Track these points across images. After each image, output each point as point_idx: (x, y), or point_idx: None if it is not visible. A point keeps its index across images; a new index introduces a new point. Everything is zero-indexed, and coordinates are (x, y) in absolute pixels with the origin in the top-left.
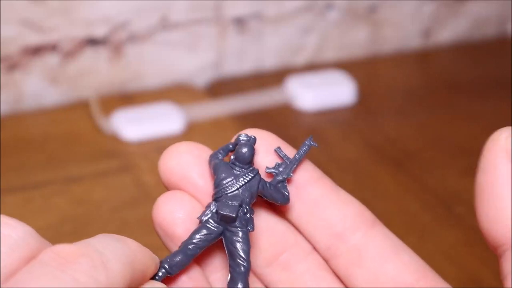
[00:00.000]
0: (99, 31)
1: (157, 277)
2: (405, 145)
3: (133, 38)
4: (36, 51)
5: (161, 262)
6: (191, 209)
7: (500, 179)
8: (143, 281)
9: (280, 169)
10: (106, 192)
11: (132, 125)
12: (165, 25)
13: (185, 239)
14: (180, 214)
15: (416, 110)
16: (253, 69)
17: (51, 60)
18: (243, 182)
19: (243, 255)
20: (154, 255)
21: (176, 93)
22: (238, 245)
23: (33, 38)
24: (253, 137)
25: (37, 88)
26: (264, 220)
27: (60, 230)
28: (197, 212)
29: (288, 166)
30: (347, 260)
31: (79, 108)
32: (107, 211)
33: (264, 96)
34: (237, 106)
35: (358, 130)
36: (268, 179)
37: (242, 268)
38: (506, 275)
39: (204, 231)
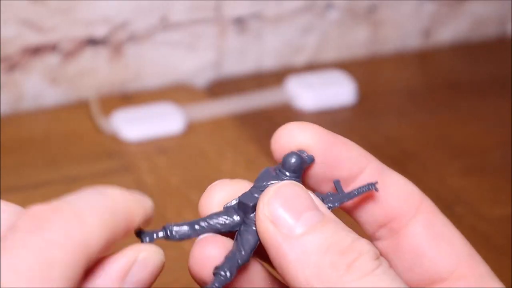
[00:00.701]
0: (99, 31)
1: (154, 235)
2: (405, 145)
3: (133, 38)
4: (36, 51)
5: (167, 225)
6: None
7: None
8: (129, 228)
9: (331, 198)
10: None
11: (132, 125)
12: (165, 25)
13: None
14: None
15: (416, 110)
16: (253, 69)
17: (51, 60)
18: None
19: (245, 246)
20: (143, 199)
21: (176, 93)
22: (245, 235)
23: (33, 38)
24: (312, 157)
25: (37, 88)
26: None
27: None
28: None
29: (339, 198)
30: (386, 246)
31: (79, 108)
32: None
33: (264, 96)
34: (237, 106)
35: (358, 130)
36: None
37: (237, 257)
38: None
39: (223, 217)
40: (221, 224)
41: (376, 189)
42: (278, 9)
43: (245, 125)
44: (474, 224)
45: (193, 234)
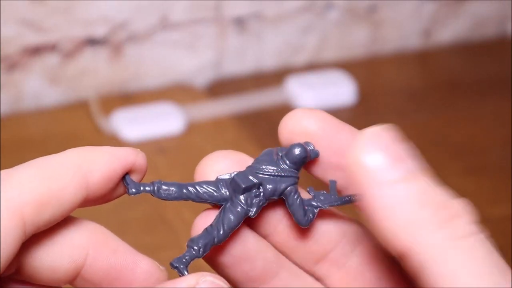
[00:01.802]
0: (99, 31)
1: (141, 188)
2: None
3: (133, 38)
4: (36, 51)
5: (156, 181)
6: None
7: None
8: (86, 181)
9: (321, 197)
10: None
11: (132, 125)
12: (165, 25)
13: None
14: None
15: (416, 110)
16: (253, 69)
17: (51, 60)
18: (275, 173)
19: (225, 226)
20: (120, 151)
21: (176, 93)
22: (229, 215)
23: (33, 38)
24: (317, 151)
25: (37, 88)
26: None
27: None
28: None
29: (330, 200)
30: None
31: (79, 108)
32: (107, 211)
33: (264, 96)
34: (237, 106)
35: (358, 130)
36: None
37: (215, 234)
38: None
39: (212, 187)
40: (208, 195)
41: None
42: (278, 9)
43: (245, 125)
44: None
45: (179, 198)
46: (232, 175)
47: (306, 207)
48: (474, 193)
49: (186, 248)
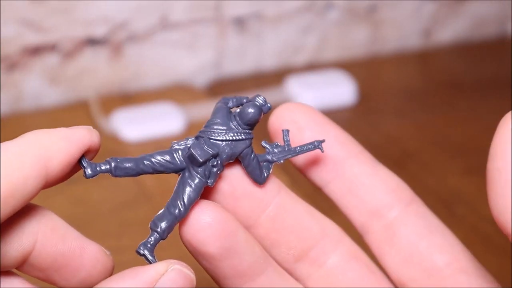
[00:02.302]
0: (99, 31)
1: (97, 168)
2: (405, 145)
3: (133, 38)
4: (36, 51)
5: (112, 159)
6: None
7: (507, 165)
8: (45, 164)
9: (276, 150)
10: (106, 192)
11: (132, 125)
12: (165, 25)
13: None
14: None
15: (416, 110)
16: (253, 69)
17: (51, 60)
18: (230, 138)
19: (185, 200)
20: (75, 132)
21: (176, 93)
22: (187, 189)
23: (33, 38)
24: (269, 105)
25: (37, 88)
26: (291, 215)
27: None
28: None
29: (284, 153)
30: (380, 238)
31: (79, 108)
32: (107, 211)
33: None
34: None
35: (358, 130)
36: (258, 153)
37: (176, 211)
38: None
39: (167, 157)
40: (164, 167)
41: (322, 150)
42: (278, 9)
43: None
44: (474, 224)
45: (137, 174)
46: (188, 140)
47: (261, 163)
48: (474, 193)
49: (150, 230)
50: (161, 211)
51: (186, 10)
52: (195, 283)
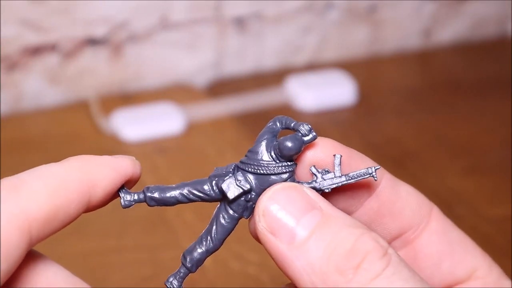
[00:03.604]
0: (99, 31)
1: (133, 199)
2: (405, 145)
3: (133, 38)
4: (36, 51)
5: (147, 188)
6: None
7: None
8: (90, 191)
9: (324, 177)
10: None
11: (132, 125)
12: (165, 25)
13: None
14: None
15: (416, 110)
16: (253, 69)
17: (51, 60)
18: (268, 172)
19: (216, 236)
20: (118, 161)
21: (176, 93)
22: (220, 224)
23: (33, 38)
24: (314, 134)
25: (37, 88)
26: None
27: (61, 230)
28: None
29: (333, 180)
30: (404, 258)
31: (79, 108)
32: (107, 211)
33: (264, 96)
34: (237, 106)
35: (358, 130)
36: (307, 179)
37: (206, 245)
38: None
39: (205, 188)
40: (200, 198)
41: (375, 178)
42: (278, 9)
43: (245, 125)
44: (474, 224)
45: (171, 204)
46: (228, 167)
47: None
48: (474, 193)
49: (180, 262)
50: (192, 244)
51: (186, 10)
52: None
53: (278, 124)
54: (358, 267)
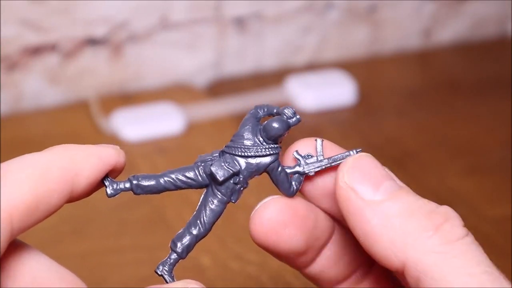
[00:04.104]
0: (99, 31)
1: (119, 187)
2: (405, 145)
3: (133, 38)
4: (36, 51)
5: (133, 177)
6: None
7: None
8: (73, 179)
9: (308, 161)
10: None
11: (132, 125)
12: (165, 25)
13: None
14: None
15: (416, 110)
16: (253, 69)
17: (51, 60)
18: (255, 154)
19: (205, 220)
20: (103, 150)
21: (176, 93)
22: (208, 209)
23: (33, 38)
24: (298, 117)
25: (37, 88)
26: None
27: (60, 230)
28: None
29: (316, 164)
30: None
31: (79, 108)
32: (107, 211)
33: (264, 96)
34: (237, 106)
35: (358, 130)
36: (290, 164)
37: (196, 231)
38: None
39: (191, 174)
40: (187, 184)
41: None
42: (278, 9)
43: None
44: (474, 224)
45: (158, 191)
46: (213, 155)
47: (291, 176)
48: (474, 193)
49: (170, 250)
50: (181, 230)
51: (186, 10)
52: None
53: (259, 111)
54: (440, 227)
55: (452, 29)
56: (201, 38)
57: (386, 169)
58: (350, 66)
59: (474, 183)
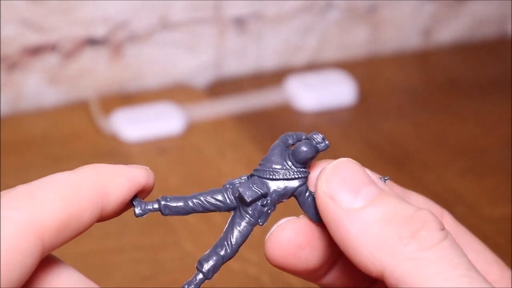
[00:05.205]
0: (98, 31)
1: (147, 207)
2: (405, 145)
3: (133, 38)
4: (36, 51)
5: (162, 198)
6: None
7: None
8: (102, 200)
9: None
10: None
11: (132, 125)
12: (165, 25)
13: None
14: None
15: (416, 110)
16: (253, 69)
17: (51, 60)
18: (282, 177)
19: (233, 241)
20: (132, 171)
21: (176, 93)
22: (235, 231)
23: (33, 38)
24: (326, 142)
25: (37, 88)
26: None
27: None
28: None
29: None
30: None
31: (79, 108)
32: None
33: (264, 96)
34: (237, 106)
35: (358, 130)
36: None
37: (222, 252)
38: None
39: (219, 197)
40: (215, 206)
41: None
42: (278, 9)
43: (245, 125)
44: (474, 224)
45: (186, 213)
46: (241, 178)
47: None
48: (474, 193)
49: (196, 270)
50: (208, 251)
51: (186, 10)
52: None
53: (289, 138)
54: (416, 233)
55: (452, 29)
56: (201, 38)
57: (368, 171)
58: (350, 66)
59: (474, 183)
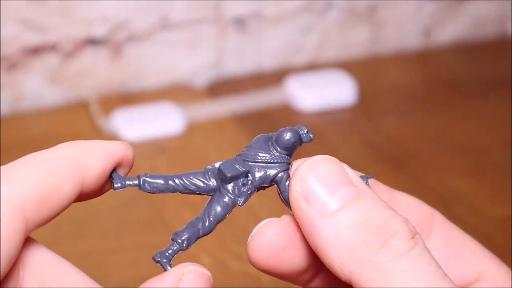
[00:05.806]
0: (98, 31)
1: (127, 182)
2: (405, 145)
3: (133, 38)
4: (36, 51)
5: (143, 174)
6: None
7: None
8: (81, 174)
9: None
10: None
11: (132, 125)
12: (165, 25)
13: None
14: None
15: (416, 110)
16: (253, 69)
17: (50, 60)
18: (266, 160)
19: (211, 217)
20: (111, 146)
21: (176, 93)
22: (214, 206)
23: (33, 38)
24: (311, 135)
25: (37, 88)
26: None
27: (60, 230)
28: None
29: None
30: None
31: (79, 108)
32: (107, 211)
33: (264, 96)
34: (237, 106)
35: (358, 130)
36: None
37: (200, 225)
38: None
39: (199, 178)
40: (196, 186)
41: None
42: (278, 9)
43: (245, 125)
44: (474, 224)
45: (166, 190)
46: (219, 166)
47: None
48: (474, 193)
49: (171, 240)
50: (182, 228)
51: (186, 10)
52: (212, 279)
53: (273, 134)
54: (386, 243)
55: (452, 29)
56: (201, 38)
57: (348, 169)
58: (350, 66)
59: (474, 183)
